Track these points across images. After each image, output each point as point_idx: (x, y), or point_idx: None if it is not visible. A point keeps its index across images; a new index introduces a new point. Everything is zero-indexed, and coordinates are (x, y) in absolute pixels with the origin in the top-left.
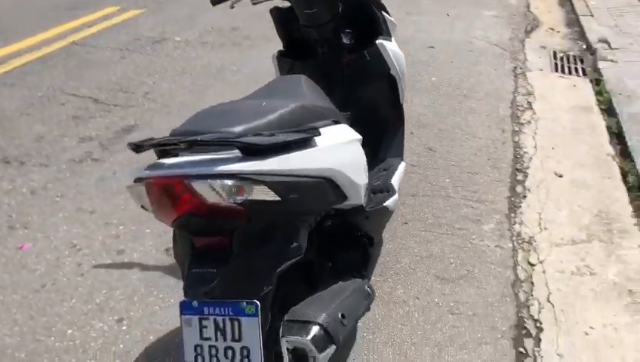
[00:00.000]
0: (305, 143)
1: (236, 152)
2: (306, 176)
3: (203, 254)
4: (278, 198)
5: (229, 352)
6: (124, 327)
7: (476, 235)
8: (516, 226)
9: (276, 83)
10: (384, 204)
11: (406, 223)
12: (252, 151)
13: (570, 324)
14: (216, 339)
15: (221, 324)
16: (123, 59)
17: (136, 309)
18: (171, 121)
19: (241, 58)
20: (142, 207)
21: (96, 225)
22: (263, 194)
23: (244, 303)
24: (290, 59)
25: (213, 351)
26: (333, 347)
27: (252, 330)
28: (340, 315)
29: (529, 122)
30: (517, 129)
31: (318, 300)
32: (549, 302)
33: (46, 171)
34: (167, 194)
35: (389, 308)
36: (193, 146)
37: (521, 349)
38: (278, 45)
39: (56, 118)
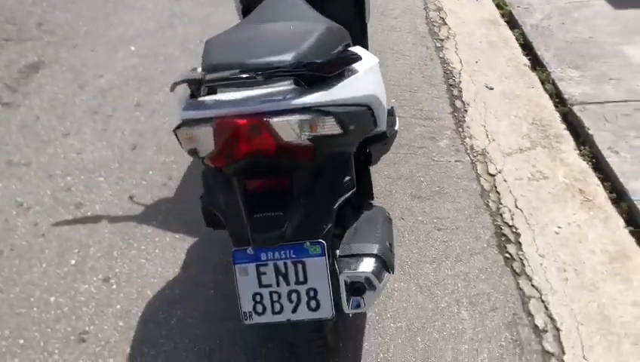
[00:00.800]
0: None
1: (288, 84)
2: (355, 105)
3: (260, 197)
4: (341, 131)
5: (294, 295)
6: (113, 286)
7: (436, 152)
8: (467, 140)
9: (272, 4)
10: (395, 128)
11: None
12: (308, 81)
13: (541, 226)
14: (278, 285)
15: (283, 269)
16: None
17: (120, 265)
18: (81, 55)
19: None
20: (190, 151)
21: (38, 179)
22: (329, 127)
23: (308, 243)
24: None
25: (275, 297)
26: (389, 274)
27: (319, 270)
28: (387, 244)
29: (448, 38)
30: (439, 45)
31: (361, 232)
32: (517, 208)
33: None
34: (236, 134)
35: None
36: (271, 77)
37: (507, 255)
38: None
39: None
